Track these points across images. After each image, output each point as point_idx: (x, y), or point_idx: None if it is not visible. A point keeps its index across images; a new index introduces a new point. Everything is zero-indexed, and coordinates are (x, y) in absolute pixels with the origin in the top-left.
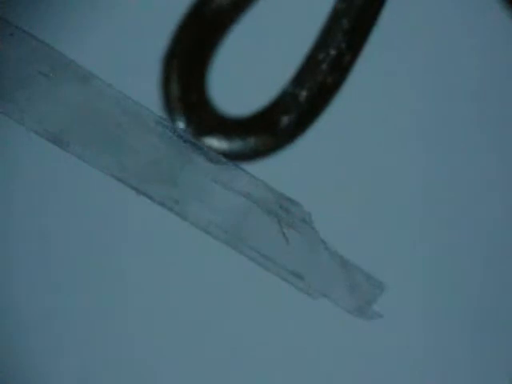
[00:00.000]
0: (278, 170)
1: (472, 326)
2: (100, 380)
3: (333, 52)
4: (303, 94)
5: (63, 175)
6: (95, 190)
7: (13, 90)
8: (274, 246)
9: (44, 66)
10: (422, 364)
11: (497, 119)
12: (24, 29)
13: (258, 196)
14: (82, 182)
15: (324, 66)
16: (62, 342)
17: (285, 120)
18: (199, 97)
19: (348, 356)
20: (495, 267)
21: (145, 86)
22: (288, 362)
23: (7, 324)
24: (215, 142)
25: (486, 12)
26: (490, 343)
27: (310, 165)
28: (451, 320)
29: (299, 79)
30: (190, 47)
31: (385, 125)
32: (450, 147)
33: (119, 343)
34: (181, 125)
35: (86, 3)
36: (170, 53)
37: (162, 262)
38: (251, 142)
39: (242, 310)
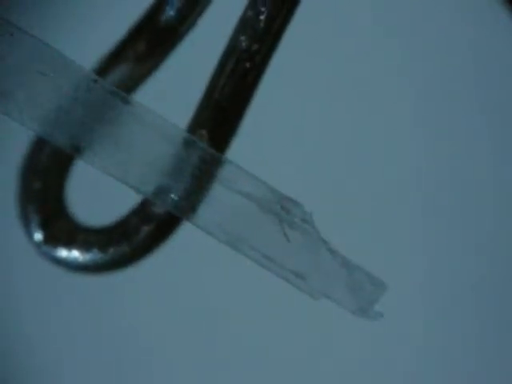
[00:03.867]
0: (279, 170)
1: (473, 326)
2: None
3: (198, 158)
4: None
5: None
6: (94, 188)
7: (13, 90)
8: (275, 246)
9: (44, 66)
10: (424, 364)
11: (496, 118)
12: (24, 29)
13: (259, 196)
14: (82, 182)
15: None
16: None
17: (145, 230)
18: (57, 208)
19: (349, 356)
20: (496, 266)
21: (145, 86)
22: (289, 363)
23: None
24: (74, 253)
25: (486, 11)
26: (491, 343)
27: (311, 165)
28: (452, 320)
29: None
30: (47, 159)
31: (384, 125)
32: (450, 147)
33: (120, 344)
34: (39, 236)
35: (86, 3)
36: (27, 165)
37: (161, 262)
38: (111, 252)
39: (243, 311)
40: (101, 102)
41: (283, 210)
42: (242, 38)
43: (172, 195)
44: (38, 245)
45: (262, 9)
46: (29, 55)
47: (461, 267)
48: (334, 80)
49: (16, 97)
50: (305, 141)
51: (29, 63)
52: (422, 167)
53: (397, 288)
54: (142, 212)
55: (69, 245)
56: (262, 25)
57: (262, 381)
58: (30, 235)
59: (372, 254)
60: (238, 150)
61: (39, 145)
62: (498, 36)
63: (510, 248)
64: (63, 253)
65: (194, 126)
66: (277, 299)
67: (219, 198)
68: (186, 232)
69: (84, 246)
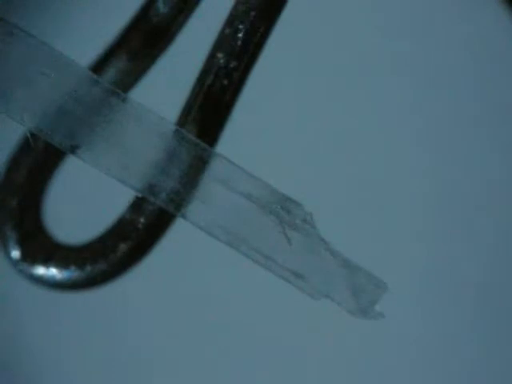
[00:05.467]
0: (279, 170)
1: (474, 326)
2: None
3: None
4: (141, 220)
5: (63, 175)
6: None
7: (13, 90)
8: (275, 247)
9: (44, 66)
10: (424, 364)
11: (496, 118)
12: (24, 29)
13: (259, 196)
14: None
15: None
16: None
17: (122, 247)
18: (34, 225)
19: (350, 357)
20: (497, 267)
21: (145, 86)
22: (289, 363)
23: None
24: (52, 271)
25: (486, 11)
26: (491, 343)
27: (311, 165)
28: (453, 320)
29: (137, 206)
30: (24, 176)
31: (384, 125)
32: (451, 148)
33: (120, 344)
34: (16, 254)
35: (86, 3)
36: (4, 182)
37: (161, 261)
38: (88, 270)
39: (243, 311)
40: (101, 101)
41: (283, 211)
42: (220, 55)
43: (171, 192)
44: (15, 262)
45: (240, 26)
46: (29, 55)
47: (461, 267)
48: (333, 79)
49: (16, 96)
50: (305, 141)
51: (29, 63)
52: (422, 167)
53: (398, 288)
54: (119, 229)
55: (46, 262)
56: (239, 42)
57: (262, 381)
58: (7, 253)
59: (372, 254)
60: (239, 150)
61: (16, 162)
62: (497, 36)
63: (510, 248)
64: (41, 270)
65: None
66: (277, 299)
67: (220, 198)
68: (185, 232)
69: (61, 264)
